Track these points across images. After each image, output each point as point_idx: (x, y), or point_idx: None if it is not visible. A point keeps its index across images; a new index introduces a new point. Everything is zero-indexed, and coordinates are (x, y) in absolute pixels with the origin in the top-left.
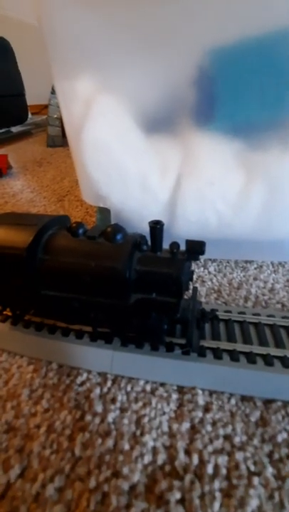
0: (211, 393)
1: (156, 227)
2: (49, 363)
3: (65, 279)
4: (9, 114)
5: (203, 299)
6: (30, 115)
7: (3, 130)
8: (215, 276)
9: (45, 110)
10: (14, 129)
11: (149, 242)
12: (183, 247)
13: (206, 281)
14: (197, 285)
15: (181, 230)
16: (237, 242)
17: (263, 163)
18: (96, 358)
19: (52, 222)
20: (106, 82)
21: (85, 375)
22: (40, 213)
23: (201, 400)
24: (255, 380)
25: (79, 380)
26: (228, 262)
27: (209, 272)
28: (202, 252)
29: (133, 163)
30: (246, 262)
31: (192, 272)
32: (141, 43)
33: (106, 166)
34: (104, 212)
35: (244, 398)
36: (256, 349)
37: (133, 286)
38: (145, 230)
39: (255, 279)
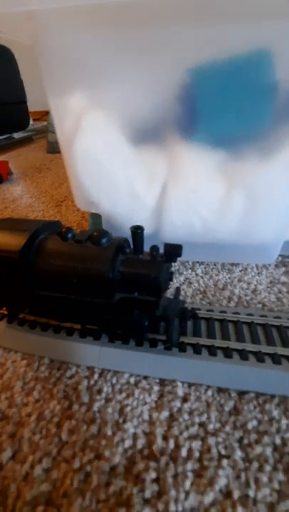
0: (190, 385)
1: (137, 231)
2: (41, 358)
3: (54, 280)
4: (11, 121)
5: (189, 300)
6: (31, 121)
7: (4, 136)
8: (202, 278)
9: (46, 116)
10: (16, 135)
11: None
12: None
13: (192, 283)
14: (184, 286)
15: (168, 234)
16: (223, 245)
17: (242, 172)
18: (85, 353)
19: (44, 227)
20: (96, 97)
21: (74, 369)
22: (35, 219)
23: (180, 392)
24: (231, 373)
25: (68, 373)
26: (214, 265)
27: (196, 274)
28: (179, 255)
29: (121, 172)
30: (232, 264)
31: (171, 273)
32: (129, 62)
33: (96, 174)
34: (96, 217)
35: (220, 390)
36: (233, 345)
37: (117, 286)
38: None
39: (239, 280)
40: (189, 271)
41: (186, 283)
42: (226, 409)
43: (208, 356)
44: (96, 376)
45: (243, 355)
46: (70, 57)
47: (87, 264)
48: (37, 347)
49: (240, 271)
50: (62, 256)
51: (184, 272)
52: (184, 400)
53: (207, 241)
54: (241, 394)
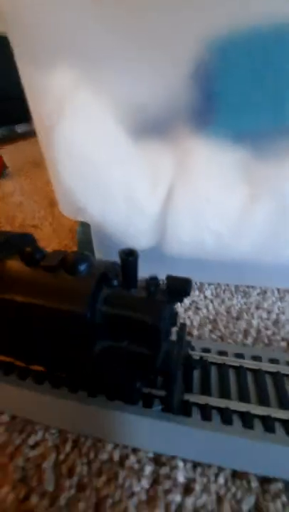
0: (194, 466)
1: (129, 259)
2: (0, 414)
3: (11, 318)
4: (14, 112)
5: (195, 331)
6: None
7: (6, 129)
8: (211, 302)
9: None
10: (19, 129)
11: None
12: (174, 268)
13: (200, 308)
14: (190, 312)
15: (173, 249)
16: (238, 264)
17: (272, 176)
18: (56, 411)
19: (6, 243)
20: (85, 73)
21: (40, 434)
22: (2, 230)
23: (181, 476)
24: (251, 451)
25: (32, 439)
26: (227, 285)
27: (205, 297)
28: (186, 293)
29: (116, 171)
30: (248, 286)
31: (175, 315)
32: (131, 31)
33: (83, 174)
34: (85, 225)
35: (236, 474)
36: (255, 409)
37: (98, 332)
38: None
39: (257, 307)
40: (196, 292)
41: (192, 308)
42: (244, 508)
43: (221, 424)
44: (68, 446)
45: (269, 424)
46: (52, 19)
47: (55, 302)
48: None
49: (258, 294)
50: (22, 288)
51: (190, 293)
52: (186, 490)
53: (219, 259)
54: (265, 482)
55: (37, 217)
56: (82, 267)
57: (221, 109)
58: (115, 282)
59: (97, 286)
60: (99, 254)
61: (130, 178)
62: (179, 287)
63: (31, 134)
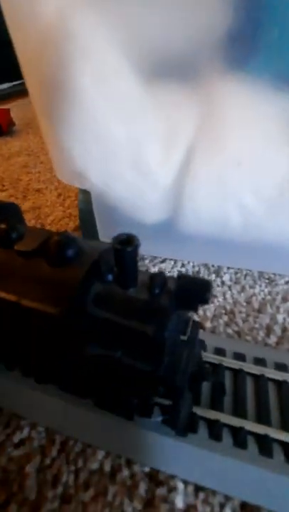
0: (197, 489)
1: (125, 250)
2: None
3: None
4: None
5: (208, 323)
6: None
7: (16, 82)
8: (229, 288)
9: None
10: None
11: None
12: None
13: (216, 296)
14: None
15: (189, 226)
16: (266, 247)
17: None
18: (44, 409)
19: None
20: None
21: (26, 431)
22: None
23: (179, 501)
24: (267, 483)
25: (17, 436)
26: (249, 271)
27: (223, 282)
28: (204, 300)
29: (123, 127)
30: (274, 273)
31: (186, 322)
32: None
33: (80, 127)
34: (87, 193)
35: (246, 507)
36: (275, 433)
37: (85, 336)
38: (140, 223)
39: (284, 299)
40: (213, 276)
41: None
42: None
43: (233, 447)
44: (55, 450)
45: None
46: None
47: (31, 300)
48: None
49: (286, 283)
50: None
51: (206, 277)
52: None
53: (246, 240)
54: None
55: (42, 180)
56: (69, 253)
57: (268, 38)
58: (110, 276)
59: (85, 281)
60: (102, 228)
61: (139, 135)
62: (194, 292)
63: None
